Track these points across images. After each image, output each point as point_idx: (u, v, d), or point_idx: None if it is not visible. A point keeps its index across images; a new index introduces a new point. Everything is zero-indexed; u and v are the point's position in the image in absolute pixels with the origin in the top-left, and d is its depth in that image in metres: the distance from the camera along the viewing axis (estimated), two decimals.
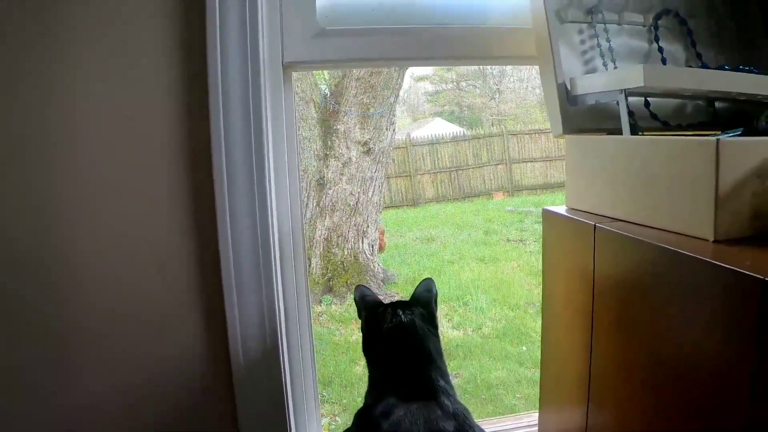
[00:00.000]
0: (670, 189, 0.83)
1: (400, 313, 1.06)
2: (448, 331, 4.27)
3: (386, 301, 1.14)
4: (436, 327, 1.10)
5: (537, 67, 1.14)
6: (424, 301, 1.12)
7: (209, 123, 1.06)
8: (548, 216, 1.12)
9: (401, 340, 1.03)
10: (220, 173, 1.07)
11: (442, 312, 4.57)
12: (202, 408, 1.15)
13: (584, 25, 1.13)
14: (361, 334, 1.13)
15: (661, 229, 0.85)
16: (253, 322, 1.13)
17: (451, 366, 3.71)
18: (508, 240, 6.66)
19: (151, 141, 1.08)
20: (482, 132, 9.92)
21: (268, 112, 1.11)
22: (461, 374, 3.69)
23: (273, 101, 1.15)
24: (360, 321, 1.15)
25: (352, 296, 1.17)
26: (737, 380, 0.64)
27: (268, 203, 1.10)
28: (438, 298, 1.16)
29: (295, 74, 1.22)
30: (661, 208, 0.86)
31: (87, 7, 1.03)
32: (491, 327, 4.37)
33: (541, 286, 1.14)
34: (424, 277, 1.16)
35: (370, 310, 1.12)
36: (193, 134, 1.08)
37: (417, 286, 1.14)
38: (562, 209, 1.09)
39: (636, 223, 0.90)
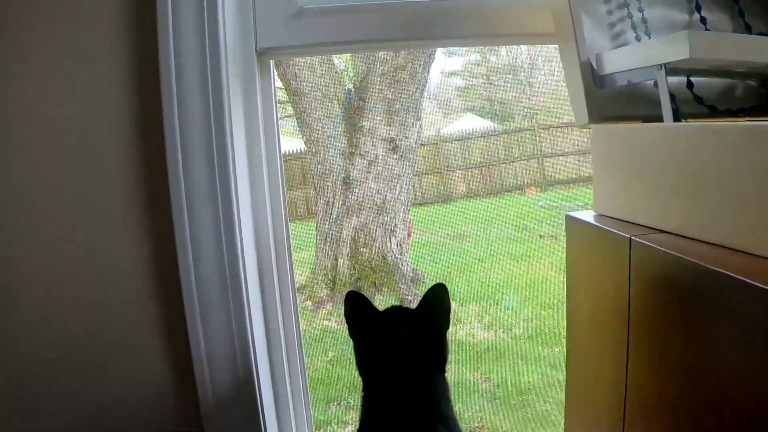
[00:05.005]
0: (727, 191, 0.64)
1: (399, 348, 0.90)
2: (478, 332, 4.18)
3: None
4: (444, 356, 0.93)
5: None
6: (432, 317, 0.93)
7: (162, 123, 0.93)
8: (572, 224, 0.93)
9: (397, 383, 0.87)
10: (176, 180, 0.94)
11: (473, 311, 4.46)
12: None
13: None
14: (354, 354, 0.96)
15: (716, 245, 0.67)
16: (221, 345, 0.99)
17: (482, 370, 3.64)
18: (541, 236, 6.55)
19: (95, 147, 0.99)
20: (513, 126, 9.88)
21: (231, 107, 0.96)
22: (492, 378, 3.58)
23: (246, 94, 1.01)
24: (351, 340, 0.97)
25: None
26: None
27: (234, 210, 0.96)
28: (450, 311, 0.95)
29: (270, 61, 1.07)
30: (714, 216, 0.67)
31: None
32: (523, 327, 4.27)
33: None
34: (437, 282, 0.95)
35: (363, 330, 0.95)
36: (145, 137, 0.97)
37: (427, 293, 0.94)
38: (589, 216, 0.91)
39: (683, 236, 0.72)
